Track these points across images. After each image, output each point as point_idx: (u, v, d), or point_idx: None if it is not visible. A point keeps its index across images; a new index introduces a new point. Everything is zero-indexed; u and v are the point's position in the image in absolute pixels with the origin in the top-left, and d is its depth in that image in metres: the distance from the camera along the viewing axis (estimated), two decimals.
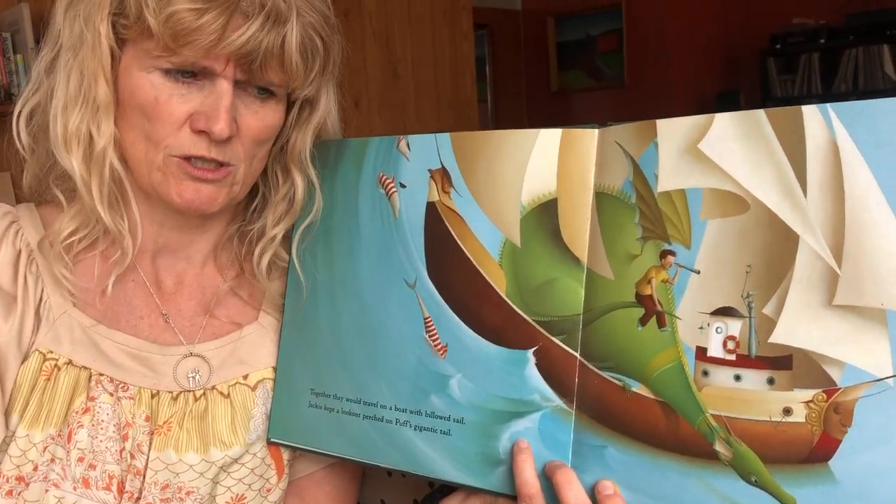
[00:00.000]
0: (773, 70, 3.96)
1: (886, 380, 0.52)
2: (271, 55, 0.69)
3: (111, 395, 0.74)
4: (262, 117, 0.73)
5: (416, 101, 3.19)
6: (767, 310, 0.55)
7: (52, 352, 0.73)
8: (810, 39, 3.85)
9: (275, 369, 0.81)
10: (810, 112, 0.54)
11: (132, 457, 0.74)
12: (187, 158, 0.71)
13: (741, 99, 4.14)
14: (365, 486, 0.88)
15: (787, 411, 0.54)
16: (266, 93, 0.73)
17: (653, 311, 0.60)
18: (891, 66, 3.56)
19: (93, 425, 0.73)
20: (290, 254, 0.82)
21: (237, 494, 0.77)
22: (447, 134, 0.73)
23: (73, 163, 0.72)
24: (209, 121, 0.69)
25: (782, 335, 0.54)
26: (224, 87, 0.69)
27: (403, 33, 3.19)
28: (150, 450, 0.74)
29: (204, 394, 0.78)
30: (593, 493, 0.62)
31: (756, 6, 4.15)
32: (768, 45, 4.03)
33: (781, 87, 3.92)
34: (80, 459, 0.72)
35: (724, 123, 0.57)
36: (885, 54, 3.60)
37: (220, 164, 0.72)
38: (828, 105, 0.53)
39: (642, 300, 0.61)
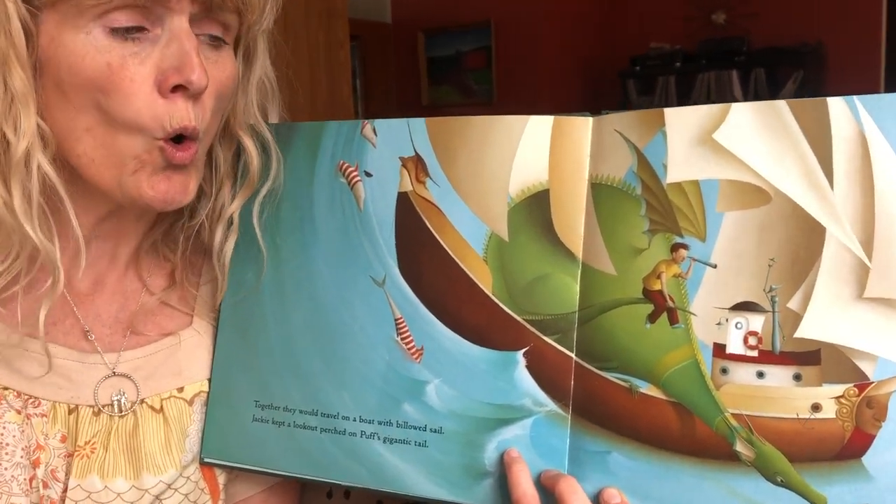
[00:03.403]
0: (633, 91, 4.16)
1: None
2: None
3: (18, 412, 0.63)
4: (221, 66, 0.62)
5: (291, 106, 3.08)
6: (792, 304, 0.53)
7: None
8: (666, 63, 4.08)
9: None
10: (836, 104, 0.53)
11: (45, 486, 0.62)
12: (174, 138, 0.59)
13: None
14: None
15: (816, 408, 0.53)
16: (217, 40, 0.62)
17: (663, 307, 0.57)
18: (739, 90, 3.85)
19: None
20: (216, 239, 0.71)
21: None
22: (422, 119, 0.68)
23: None
24: (183, 72, 0.57)
25: (810, 329, 0.53)
26: (183, 26, 0.57)
27: (278, 39, 3.06)
28: (67, 476, 0.63)
29: (132, 408, 0.67)
30: (598, 502, 0.58)
31: (618, 30, 4.36)
32: (628, 67, 4.23)
33: (640, 108, 4.13)
34: None
35: (742, 113, 0.55)
36: (734, 79, 3.89)
37: (195, 135, 0.60)
38: (854, 97, 0.53)
39: (651, 296, 0.58)
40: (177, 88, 0.58)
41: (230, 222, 0.70)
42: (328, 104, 3.22)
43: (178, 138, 0.60)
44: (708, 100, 3.79)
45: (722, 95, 3.78)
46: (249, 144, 0.69)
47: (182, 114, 0.58)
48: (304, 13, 3.25)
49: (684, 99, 3.93)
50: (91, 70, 0.56)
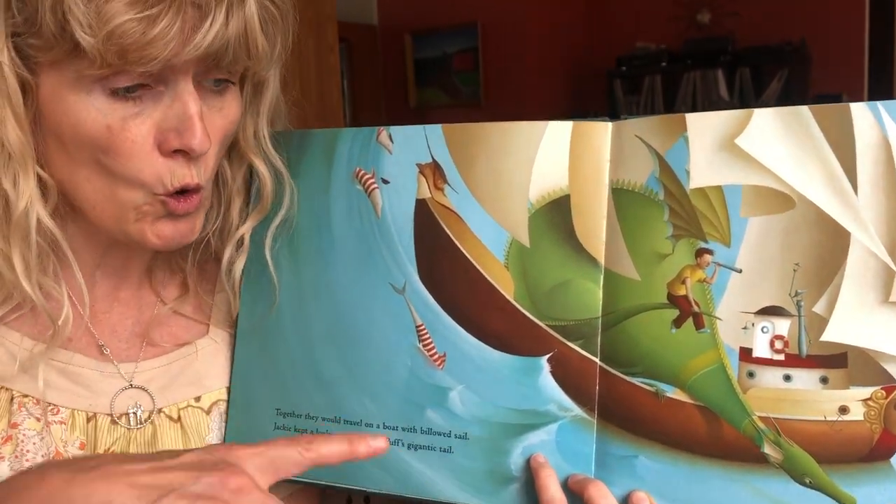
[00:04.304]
0: (620, 91, 4.19)
1: None
2: (239, 45, 0.57)
3: (38, 419, 0.62)
4: (226, 113, 0.62)
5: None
6: (818, 308, 0.54)
7: None
8: (653, 62, 4.13)
9: (229, 390, 0.71)
10: (859, 109, 0.54)
11: None
12: (174, 194, 0.59)
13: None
14: None
15: (844, 410, 0.53)
16: (223, 82, 0.61)
17: (689, 312, 0.58)
18: (724, 89, 3.89)
19: (15, 457, 0.61)
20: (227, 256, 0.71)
21: None
22: (438, 126, 0.68)
23: None
24: (183, 136, 0.56)
25: (835, 333, 0.53)
26: (186, 88, 0.57)
27: None
28: None
29: (150, 417, 0.67)
30: None
31: (604, 30, 4.39)
32: (615, 67, 4.26)
33: (627, 108, 4.17)
34: None
35: (764, 119, 0.56)
36: (719, 78, 3.93)
37: (198, 189, 0.60)
38: (877, 103, 0.53)
39: (676, 301, 0.58)
40: (178, 150, 0.58)
41: (240, 242, 0.70)
42: (318, 108, 3.21)
43: (181, 190, 0.60)
44: (694, 98, 3.84)
45: (707, 94, 3.83)
46: (262, 169, 0.68)
47: (183, 172, 0.58)
48: (293, 19, 3.25)
49: (671, 98, 3.97)
50: (91, 131, 0.56)
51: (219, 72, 0.59)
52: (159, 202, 0.59)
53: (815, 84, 3.87)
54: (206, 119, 0.59)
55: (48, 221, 0.58)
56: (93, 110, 0.55)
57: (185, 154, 0.58)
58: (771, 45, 3.90)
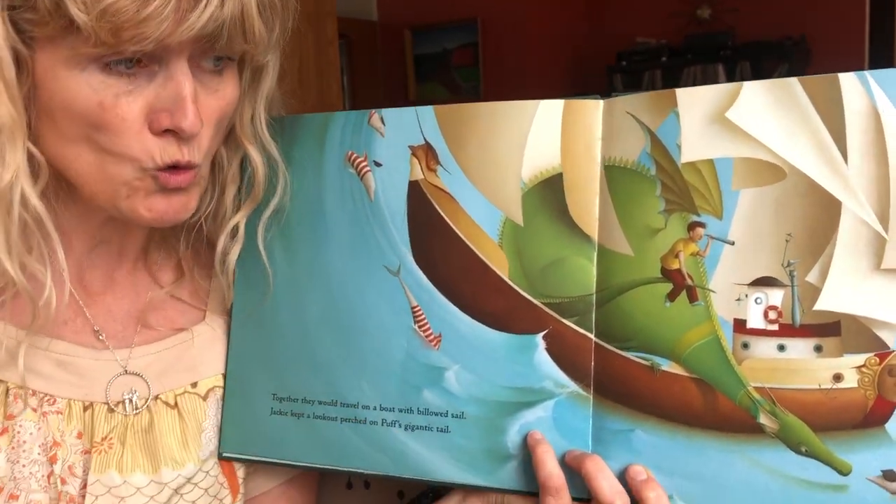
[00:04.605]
0: (620, 86, 4.18)
1: None
2: (234, 27, 0.56)
3: (34, 410, 0.62)
4: (221, 95, 0.61)
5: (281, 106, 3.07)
6: (811, 277, 0.54)
7: None
8: (653, 57, 4.11)
9: (225, 375, 0.72)
10: (848, 79, 0.54)
11: (62, 482, 0.62)
12: (164, 169, 0.59)
13: None
14: (320, 501, 0.80)
15: (838, 378, 0.53)
16: (222, 60, 0.61)
17: (682, 286, 0.58)
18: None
19: (12, 448, 0.61)
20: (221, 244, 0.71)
21: None
22: (430, 107, 0.68)
23: None
24: (174, 117, 0.56)
25: (828, 302, 0.53)
26: (180, 69, 0.57)
27: None
28: (85, 472, 0.63)
29: (146, 404, 0.67)
30: (623, 480, 0.58)
31: (604, 25, 4.37)
32: (615, 62, 4.25)
33: None
34: None
35: (754, 92, 0.56)
36: (719, 72, 3.92)
37: (190, 166, 0.60)
38: (866, 72, 0.53)
39: (669, 275, 0.58)
40: (168, 130, 0.57)
41: (234, 231, 0.69)
42: (317, 104, 3.22)
43: (173, 166, 0.59)
44: None
45: None
46: (256, 157, 0.68)
47: (173, 150, 0.58)
48: (294, 6, 3.25)
49: None
50: (84, 107, 0.56)
51: (215, 53, 0.59)
52: (150, 177, 0.59)
53: None
54: (201, 100, 0.59)
55: (34, 199, 0.58)
56: (86, 87, 0.55)
57: (175, 134, 0.58)
58: (771, 40, 3.89)
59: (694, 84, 4.01)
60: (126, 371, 0.67)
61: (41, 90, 0.56)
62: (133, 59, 0.55)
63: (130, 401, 0.66)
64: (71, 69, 0.55)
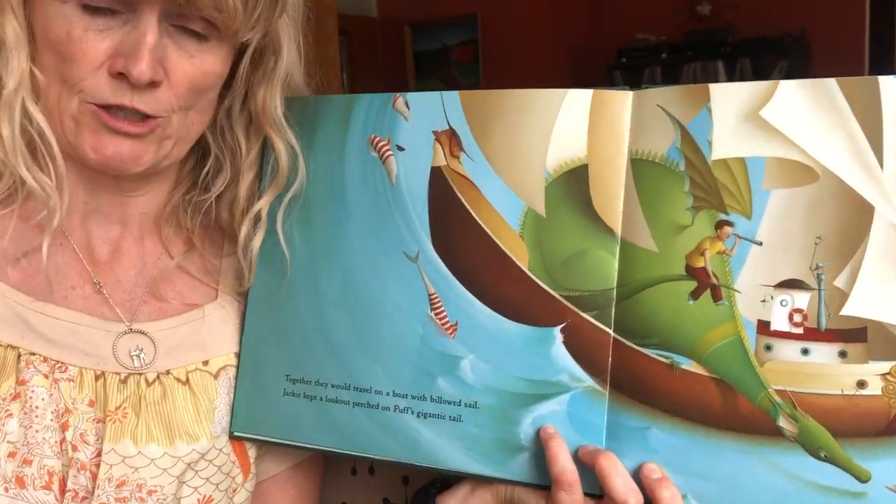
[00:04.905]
0: (620, 82, 4.17)
1: None
2: None
3: (46, 377, 0.62)
4: (198, 62, 0.62)
5: None
6: (839, 282, 0.54)
7: None
8: (653, 54, 4.11)
9: (237, 355, 0.71)
10: (888, 82, 0.53)
11: (74, 449, 0.61)
12: (105, 107, 0.60)
13: None
14: (325, 487, 0.79)
15: (862, 384, 0.53)
16: (200, 35, 0.62)
17: (706, 284, 0.57)
18: (724, 81, 3.89)
19: (24, 413, 0.60)
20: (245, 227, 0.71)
21: (204, 496, 0.66)
22: (455, 92, 0.67)
23: None
24: (128, 61, 0.58)
25: (856, 307, 0.53)
26: (149, 21, 0.59)
27: None
28: (97, 440, 0.62)
29: (158, 378, 0.66)
30: (637, 478, 0.58)
31: (604, 22, 4.37)
32: (615, 59, 4.25)
33: None
34: (12, 455, 0.59)
35: (789, 91, 0.56)
36: (719, 69, 3.92)
37: (146, 116, 0.61)
38: None
39: (694, 273, 0.58)
40: (121, 73, 0.59)
41: (258, 218, 0.70)
42: None
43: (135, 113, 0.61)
44: None
45: None
46: (279, 143, 0.69)
47: (122, 93, 0.60)
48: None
49: None
50: (54, 35, 0.59)
51: (191, 21, 0.60)
52: (90, 112, 0.60)
53: (816, 75, 3.86)
54: (171, 59, 0.61)
55: (38, 114, 0.61)
56: (60, 16, 0.59)
57: (128, 81, 0.59)
58: (771, 36, 3.89)
59: (694, 81, 4.02)
60: (131, 329, 0.66)
61: (34, 18, 0.61)
62: (110, 9, 0.58)
63: (138, 357, 0.66)
64: (55, 0, 0.59)
